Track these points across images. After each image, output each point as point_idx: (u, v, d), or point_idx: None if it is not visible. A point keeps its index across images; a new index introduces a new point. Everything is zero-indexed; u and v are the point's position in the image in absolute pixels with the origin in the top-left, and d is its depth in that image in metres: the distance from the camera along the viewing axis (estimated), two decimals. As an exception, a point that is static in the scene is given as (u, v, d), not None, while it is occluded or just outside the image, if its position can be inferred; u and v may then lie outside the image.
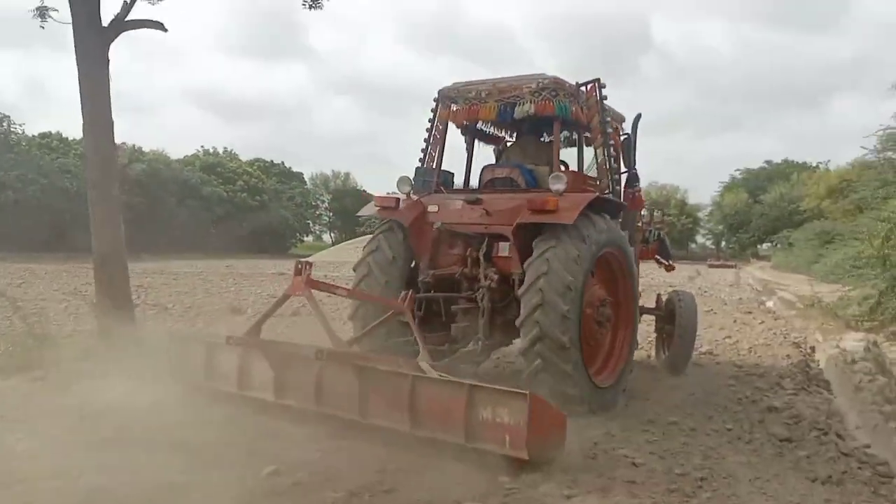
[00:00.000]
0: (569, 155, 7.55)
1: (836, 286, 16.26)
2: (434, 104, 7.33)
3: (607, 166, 6.94)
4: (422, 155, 7.38)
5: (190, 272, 31.86)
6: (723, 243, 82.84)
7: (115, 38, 7.79)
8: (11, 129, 47.82)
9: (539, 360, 5.86)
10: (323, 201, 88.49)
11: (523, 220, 6.23)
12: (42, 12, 7.82)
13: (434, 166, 7.34)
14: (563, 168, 7.09)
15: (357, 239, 62.57)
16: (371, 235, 7.26)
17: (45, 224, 45.11)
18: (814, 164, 74.41)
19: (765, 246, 75.75)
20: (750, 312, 16.12)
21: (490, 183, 7.19)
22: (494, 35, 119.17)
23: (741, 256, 69.13)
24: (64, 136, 55.12)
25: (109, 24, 7.71)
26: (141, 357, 6.74)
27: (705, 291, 22.41)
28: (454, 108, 7.20)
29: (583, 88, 6.87)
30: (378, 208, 7.01)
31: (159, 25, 8.30)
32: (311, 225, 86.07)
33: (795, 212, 57.65)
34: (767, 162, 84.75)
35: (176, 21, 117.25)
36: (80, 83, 7.65)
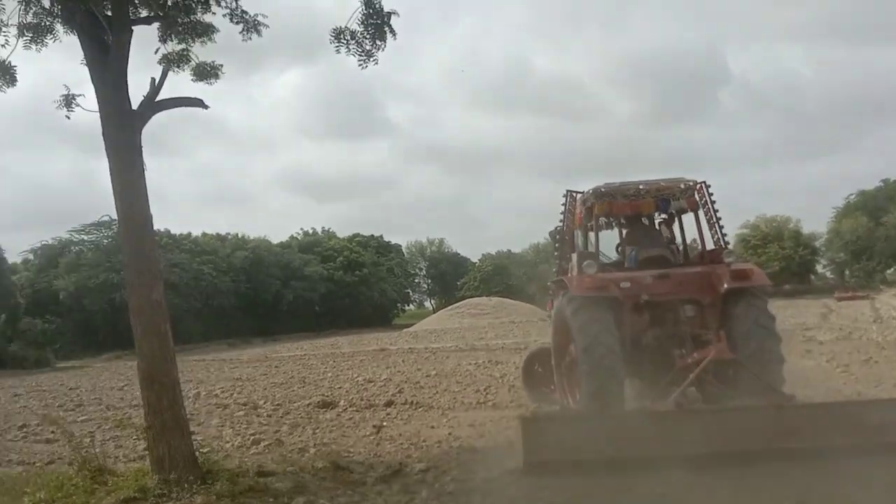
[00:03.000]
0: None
1: None
2: (587, 199, 9.15)
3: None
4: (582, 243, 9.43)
5: (292, 356, 31.40)
6: (846, 272, 76.00)
7: (147, 121, 6.92)
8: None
9: None
10: (420, 269, 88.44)
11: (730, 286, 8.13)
12: (68, 101, 6.98)
13: (593, 250, 9.15)
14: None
15: (456, 304, 61.70)
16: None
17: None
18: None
19: (891, 271, 68.92)
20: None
21: (647, 261, 8.80)
22: (564, 86, 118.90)
23: (869, 285, 62.93)
24: (172, 232, 57.49)
25: (139, 106, 6.83)
26: None
27: (849, 333, 19.42)
28: (613, 203, 8.97)
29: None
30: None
31: (198, 102, 7.43)
32: (410, 294, 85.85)
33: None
34: (884, 181, 77.54)
35: (263, 112, 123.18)
36: (111, 175, 6.76)
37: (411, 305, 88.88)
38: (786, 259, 70.88)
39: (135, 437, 8.87)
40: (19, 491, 6.51)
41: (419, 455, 8.05)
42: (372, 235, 75.61)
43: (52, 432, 11.46)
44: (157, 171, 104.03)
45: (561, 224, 9.80)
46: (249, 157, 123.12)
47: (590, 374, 7.67)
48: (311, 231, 73.66)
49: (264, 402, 13.84)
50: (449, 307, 61.76)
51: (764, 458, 6.31)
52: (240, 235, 62.56)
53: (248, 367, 26.05)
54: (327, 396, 13.87)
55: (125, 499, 6.13)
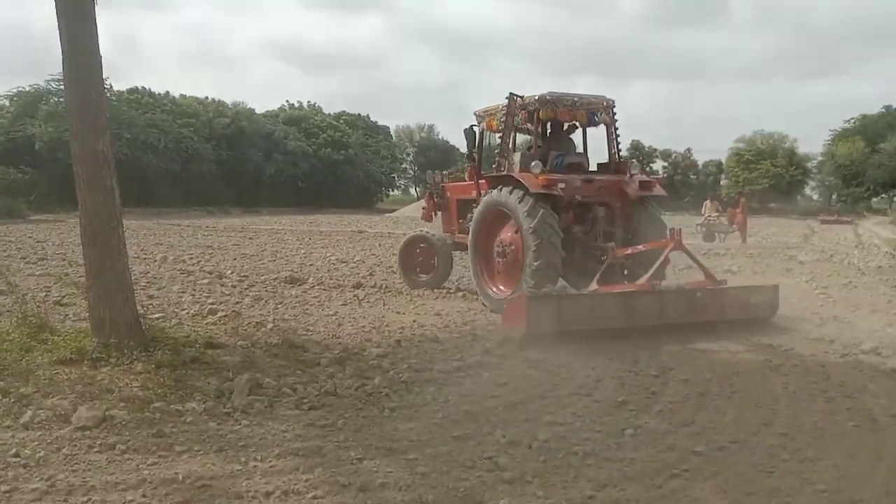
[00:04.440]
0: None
1: None
2: (532, 104, 10.14)
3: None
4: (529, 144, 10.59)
5: (269, 229, 31.06)
6: (833, 196, 75.84)
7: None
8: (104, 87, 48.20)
9: None
10: (408, 154, 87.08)
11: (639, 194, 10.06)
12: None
13: (537, 153, 10.13)
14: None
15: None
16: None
17: (134, 179, 45.62)
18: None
19: (877, 199, 68.89)
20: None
21: (569, 166, 10.27)
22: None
23: (854, 211, 63.02)
24: (153, 91, 55.47)
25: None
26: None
27: (831, 256, 19.27)
28: (555, 110, 10.16)
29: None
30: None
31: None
32: (396, 179, 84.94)
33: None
34: (886, 107, 75.88)
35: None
36: (56, 8, 5.97)
37: (396, 191, 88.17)
38: (776, 177, 70.54)
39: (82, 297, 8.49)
40: (-50, 341, 6.14)
41: (379, 340, 7.75)
42: (359, 115, 73.73)
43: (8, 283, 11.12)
44: (139, 22, 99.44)
45: (499, 124, 10.69)
46: (238, 16, 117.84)
47: (542, 260, 9.00)
48: (296, 104, 71.57)
49: (231, 273, 13.49)
50: (433, 195, 61.11)
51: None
52: (222, 100, 60.56)
53: (221, 237, 25.67)
54: (296, 273, 13.54)
55: (60, 359, 5.77)
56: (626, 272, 9.62)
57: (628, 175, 10.21)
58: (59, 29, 6.08)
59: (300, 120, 66.14)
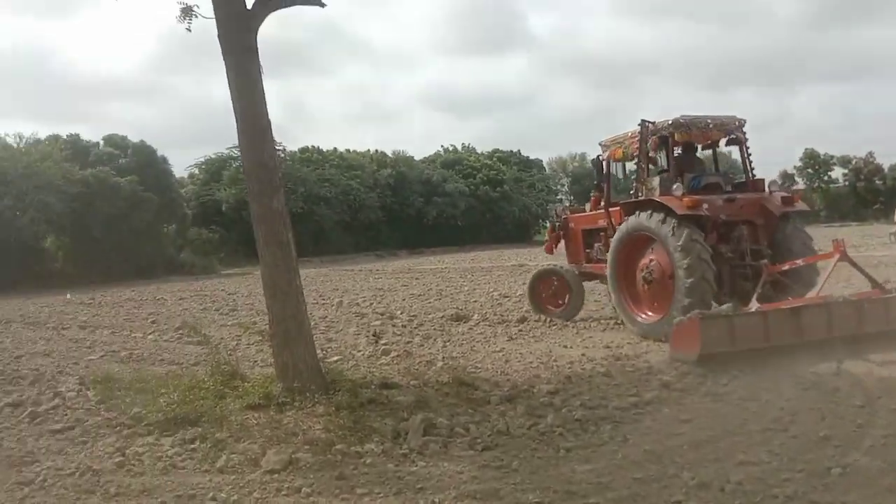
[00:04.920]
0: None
1: None
2: (665, 128, 10.24)
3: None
4: (665, 168, 10.50)
5: (434, 269, 31.90)
6: None
7: (262, 21, 6.63)
8: (276, 148, 52.53)
9: None
10: (563, 185, 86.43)
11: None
12: (187, 12, 6.79)
13: (673, 176, 10.07)
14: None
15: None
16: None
17: (311, 230, 49.05)
18: None
19: None
20: None
21: (707, 187, 10.23)
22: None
23: None
24: (321, 148, 59.59)
25: (253, 6, 6.55)
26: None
27: None
28: (689, 133, 10.32)
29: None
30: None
31: (315, 0, 6.92)
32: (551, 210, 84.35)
33: None
34: None
35: (404, 28, 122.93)
36: (228, 80, 6.56)
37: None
38: None
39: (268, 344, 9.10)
40: (158, 390, 6.78)
41: (548, 376, 7.58)
42: (511, 151, 74.43)
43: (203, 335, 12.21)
44: (306, 89, 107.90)
45: (634, 152, 10.68)
46: (392, 74, 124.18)
47: (695, 278, 8.98)
48: (451, 148, 73.68)
49: (400, 313, 13.93)
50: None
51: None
52: (383, 152, 63.80)
53: (390, 279, 26.70)
54: (461, 310, 13.71)
55: (250, 405, 6.19)
56: (776, 288, 9.52)
57: (767, 192, 10.41)
58: (232, 102, 6.66)
59: (456, 162, 67.98)
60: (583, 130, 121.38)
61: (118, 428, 6.11)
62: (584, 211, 12.70)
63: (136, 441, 5.67)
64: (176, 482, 4.78)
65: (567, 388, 6.94)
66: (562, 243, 12.74)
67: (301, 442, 5.36)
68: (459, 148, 73.77)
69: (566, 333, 10.61)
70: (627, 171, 11.38)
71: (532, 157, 77.71)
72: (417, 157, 67.01)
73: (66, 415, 6.66)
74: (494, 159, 70.48)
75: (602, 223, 11.39)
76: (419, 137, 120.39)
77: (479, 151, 72.48)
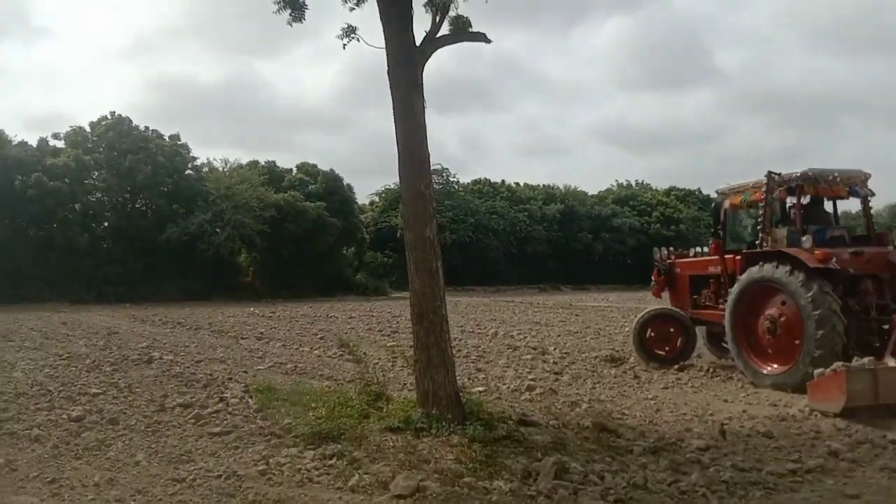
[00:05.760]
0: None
1: None
2: (794, 181, 10.33)
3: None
4: (795, 221, 10.38)
5: (596, 306, 31.18)
6: None
7: (428, 57, 6.90)
8: (450, 180, 54.50)
9: None
10: (746, 227, 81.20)
11: None
12: (349, 32, 7.21)
13: (800, 228, 10.18)
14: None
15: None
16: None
17: (477, 259, 50.03)
18: None
19: None
20: None
21: (832, 239, 10.20)
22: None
23: None
24: (492, 181, 60.71)
25: (422, 42, 6.82)
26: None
27: None
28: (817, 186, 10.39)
29: None
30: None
31: (481, 37, 7.19)
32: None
33: None
34: None
35: (583, 63, 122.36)
36: (394, 113, 6.87)
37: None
38: None
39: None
40: (310, 404, 7.17)
41: (701, 430, 7.08)
42: (689, 189, 71.22)
43: (364, 353, 12.80)
44: (483, 123, 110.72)
45: (760, 203, 10.70)
46: (567, 108, 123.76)
47: (826, 329, 8.88)
48: (625, 183, 71.97)
49: (553, 349, 13.73)
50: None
51: None
52: (553, 186, 63.75)
53: (549, 313, 26.41)
54: (617, 351, 13.24)
55: (389, 427, 6.36)
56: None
57: (891, 246, 10.41)
58: (396, 134, 6.98)
59: (630, 198, 66.31)
60: (767, 169, 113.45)
61: (269, 437, 6.53)
62: (688, 256, 13.16)
63: (281, 451, 6.02)
64: (309, 496, 5.00)
65: (720, 446, 6.44)
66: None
67: (431, 470, 5.41)
68: (634, 184, 71.97)
69: (729, 386, 9.88)
70: (739, 220, 12.08)
71: (713, 195, 73.93)
72: (590, 192, 66.18)
73: (226, 419, 7.24)
74: (671, 196, 67.92)
75: (713, 270, 11.68)
76: (592, 172, 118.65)
77: (654, 188, 70.23)
